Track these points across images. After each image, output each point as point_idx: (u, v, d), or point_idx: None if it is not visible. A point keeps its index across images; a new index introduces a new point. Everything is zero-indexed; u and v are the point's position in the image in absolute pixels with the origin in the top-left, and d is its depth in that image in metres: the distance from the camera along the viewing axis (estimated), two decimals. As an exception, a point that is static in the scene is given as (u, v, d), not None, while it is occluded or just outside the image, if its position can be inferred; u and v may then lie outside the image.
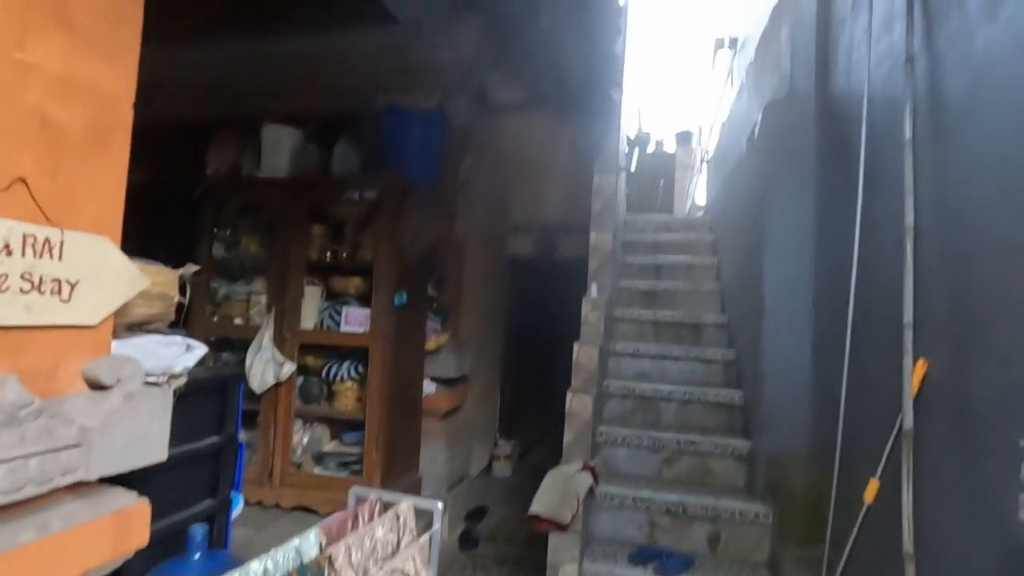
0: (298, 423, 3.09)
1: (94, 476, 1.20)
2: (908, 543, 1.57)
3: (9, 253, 1.07)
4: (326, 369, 3.09)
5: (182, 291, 1.69)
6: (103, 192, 1.24)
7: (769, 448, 2.81)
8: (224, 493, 1.81)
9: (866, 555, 1.78)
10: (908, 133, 1.79)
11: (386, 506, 1.62)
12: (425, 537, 1.54)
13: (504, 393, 5.01)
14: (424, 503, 1.62)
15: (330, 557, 1.27)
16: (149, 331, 1.56)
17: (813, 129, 2.73)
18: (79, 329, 1.24)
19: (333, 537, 1.39)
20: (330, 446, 3.12)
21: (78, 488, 1.25)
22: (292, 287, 3.04)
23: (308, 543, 1.32)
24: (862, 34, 2.22)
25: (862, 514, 1.75)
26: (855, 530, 1.79)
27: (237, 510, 2.25)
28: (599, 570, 2.51)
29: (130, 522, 1.30)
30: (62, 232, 1.15)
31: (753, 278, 3.10)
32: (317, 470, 3.04)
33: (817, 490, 2.49)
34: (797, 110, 2.87)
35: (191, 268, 1.73)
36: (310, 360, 3.14)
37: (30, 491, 1.08)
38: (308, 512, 2.94)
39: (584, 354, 3.04)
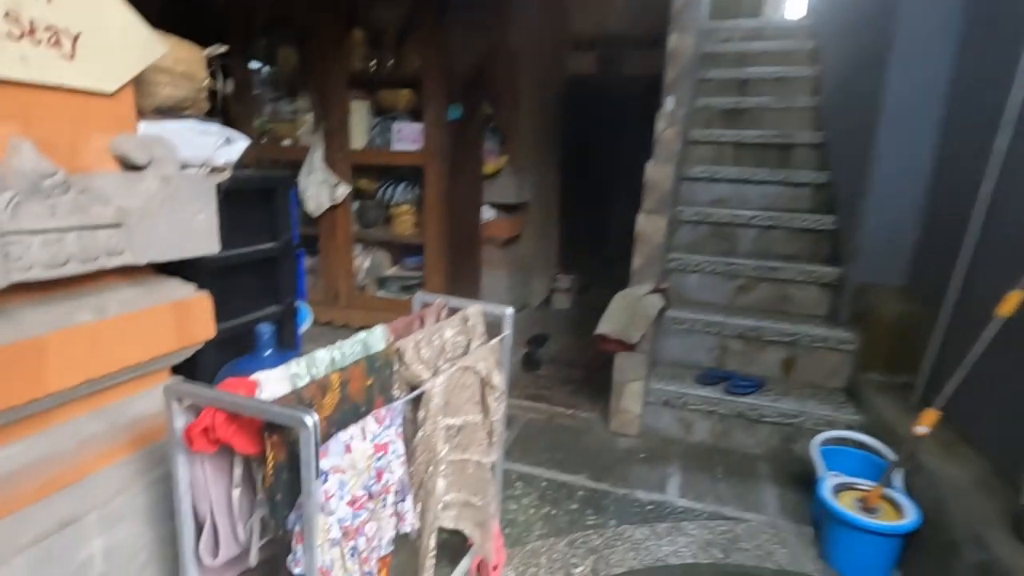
0: (358, 248, 3.05)
1: (142, 260, 1.12)
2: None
3: (-18, -17, 0.87)
4: (381, 191, 2.96)
5: (212, 77, 1.49)
6: (82, -90, 0.98)
7: (862, 275, 2.55)
8: (288, 298, 1.78)
9: (992, 371, 1.59)
10: None
11: (452, 312, 1.53)
12: (496, 340, 1.46)
13: (563, 226, 4.83)
14: (493, 308, 1.52)
15: (398, 350, 1.19)
16: (180, 118, 1.39)
17: None
18: (94, 97, 1.07)
19: (400, 335, 1.31)
20: (391, 271, 3.10)
21: (132, 275, 1.18)
22: (337, 103, 2.79)
23: (374, 337, 1.24)
24: None
25: (994, 330, 1.53)
26: (976, 348, 1.58)
27: (306, 324, 2.28)
28: (666, 389, 2.49)
29: (191, 313, 1.24)
30: (41, -42, 0.93)
31: (868, 84, 2.59)
32: (380, 293, 3.05)
33: (914, 315, 2.28)
34: None
35: (218, 48, 1.51)
36: (364, 183, 3.00)
37: (74, 268, 0.99)
38: (375, 332, 3.02)
39: (658, 173, 2.73)
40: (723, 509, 2.02)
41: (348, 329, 3.03)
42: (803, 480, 2.17)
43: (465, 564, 1.56)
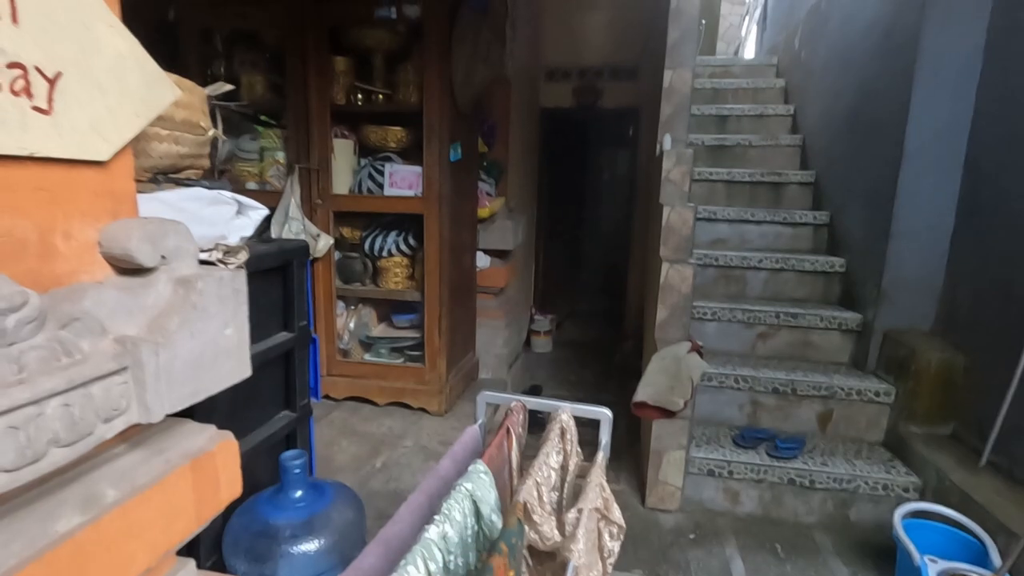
0: (340, 306, 2.64)
1: (156, 416, 0.73)
2: None
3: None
4: (368, 242, 2.58)
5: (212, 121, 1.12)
6: None
7: (889, 320, 2.48)
8: (303, 400, 1.39)
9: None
10: None
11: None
12: (600, 457, 1.16)
13: (538, 265, 4.59)
14: (586, 410, 1.23)
15: (525, 507, 0.87)
16: (180, 182, 1.01)
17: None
18: (79, 167, 0.69)
19: (496, 464, 0.98)
20: (378, 330, 2.71)
21: (129, 432, 0.79)
22: (318, 141, 2.41)
23: (481, 483, 0.90)
24: None
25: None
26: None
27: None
28: (708, 456, 2.26)
29: (215, 469, 0.85)
30: (7, -45, 0.56)
31: (884, 122, 2.55)
32: (368, 357, 2.65)
33: (953, 363, 2.20)
34: None
35: (222, 86, 1.14)
36: (346, 232, 2.61)
37: (57, 458, 0.60)
38: (363, 402, 2.61)
39: (677, 217, 2.55)
40: (803, 601, 1.79)
41: (331, 401, 2.60)
42: (871, 554, 2.00)
43: None
